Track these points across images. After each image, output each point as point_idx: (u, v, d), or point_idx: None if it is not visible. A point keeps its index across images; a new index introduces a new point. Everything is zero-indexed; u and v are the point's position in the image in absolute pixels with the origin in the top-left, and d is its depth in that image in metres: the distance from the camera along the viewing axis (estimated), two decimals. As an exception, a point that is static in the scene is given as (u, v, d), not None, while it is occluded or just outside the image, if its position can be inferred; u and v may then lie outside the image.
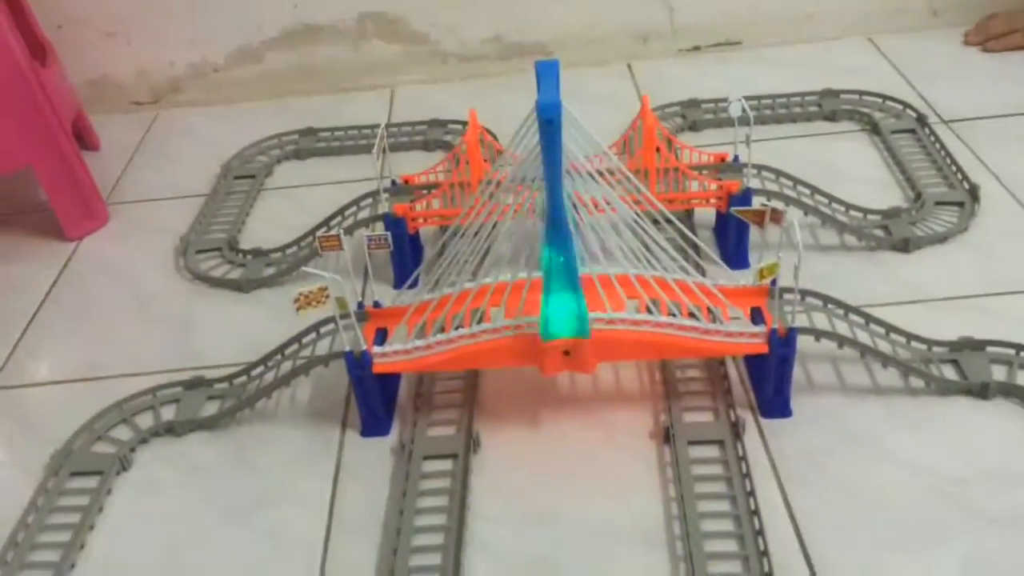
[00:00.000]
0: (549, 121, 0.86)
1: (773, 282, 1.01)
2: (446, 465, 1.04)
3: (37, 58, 1.50)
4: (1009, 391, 1.05)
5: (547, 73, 0.90)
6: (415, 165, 1.56)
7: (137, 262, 1.45)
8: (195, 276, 1.40)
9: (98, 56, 1.85)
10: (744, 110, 1.18)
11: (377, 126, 1.70)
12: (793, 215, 0.97)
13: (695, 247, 1.09)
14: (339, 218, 1.40)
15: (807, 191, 1.35)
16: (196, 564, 0.97)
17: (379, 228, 1.34)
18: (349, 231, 1.35)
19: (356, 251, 1.29)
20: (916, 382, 1.07)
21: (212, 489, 1.05)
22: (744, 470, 0.99)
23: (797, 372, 1.08)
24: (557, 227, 0.95)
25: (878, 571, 0.89)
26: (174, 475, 1.07)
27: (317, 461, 1.07)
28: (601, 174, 0.98)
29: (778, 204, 1.25)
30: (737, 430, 1.03)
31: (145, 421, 1.13)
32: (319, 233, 1.08)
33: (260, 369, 1.15)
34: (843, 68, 1.76)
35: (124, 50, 1.85)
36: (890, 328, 1.09)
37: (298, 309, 0.98)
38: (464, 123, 1.65)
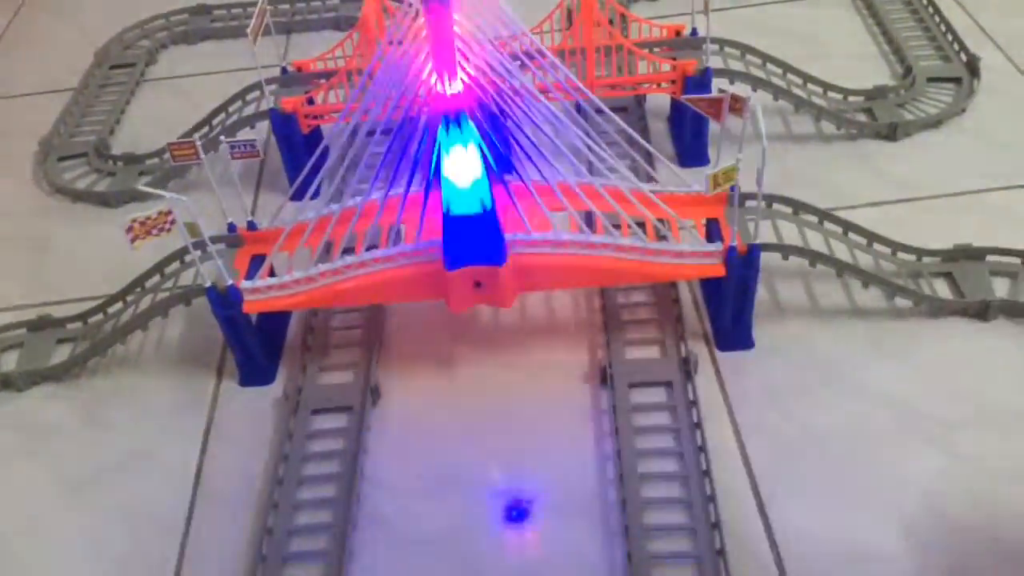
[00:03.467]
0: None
1: (733, 187, 0.81)
2: (339, 421, 0.87)
3: None
4: (1013, 310, 0.87)
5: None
6: (326, 47, 1.32)
7: (-11, 172, 1.23)
8: (55, 188, 1.18)
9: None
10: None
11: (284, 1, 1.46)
12: (758, 102, 0.76)
13: (644, 151, 0.89)
14: (222, 115, 1.17)
15: (778, 70, 1.13)
16: (33, 538, 0.81)
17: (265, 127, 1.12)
18: (231, 131, 1.13)
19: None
20: (903, 302, 0.89)
21: (57, 455, 0.87)
22: (695, 419, 0.82)
23: (761, 294, 0.90)
24: (455, 124, 0.74)
25: (847, 536, 0.73)
26: (12, 438, 0.89)
27: (185, 416, 0.89)
28: (518, 59, 0.77)
29: (742, 88, 1.05)
30: (688, 368, 0.86)
31: (-20, 373, 0.94)
32: (170, 143, 0.87)
33: (118, 306, 0.96)
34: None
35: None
36: (872, 237, 0.91)
37: (132, 241, 0.78)
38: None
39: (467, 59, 0.72)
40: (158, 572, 0.77)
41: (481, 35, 0.74)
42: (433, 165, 0.76)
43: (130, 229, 0.77)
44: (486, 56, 0.74)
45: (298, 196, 0.90)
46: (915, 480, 0.76)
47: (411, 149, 0.77)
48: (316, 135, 1.11)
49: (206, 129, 1.17)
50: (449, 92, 0.71)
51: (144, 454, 0.86)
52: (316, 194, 0.86)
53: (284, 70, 1.14)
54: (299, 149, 1.08)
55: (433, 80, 0.71)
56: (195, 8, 1.48)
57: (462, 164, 0.75)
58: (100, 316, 0.96)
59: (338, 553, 0.75)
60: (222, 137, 0.93)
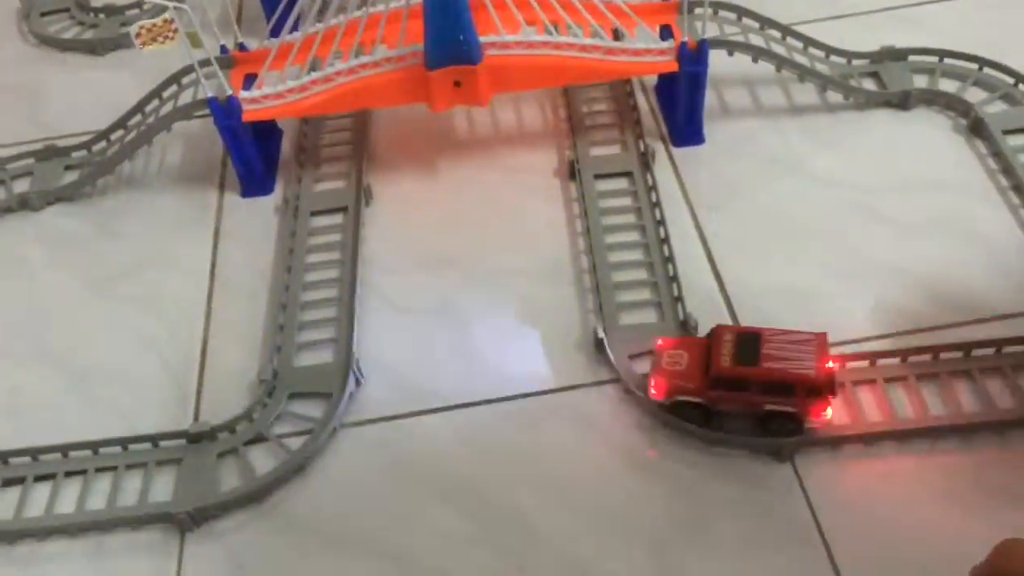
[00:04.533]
0: None
1: (682, -9, 0.90)
2: (336, 219, 0.96)
3: None
4: (931, 99, 0.99)
5: None
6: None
7: (-28, 29, 1.27)
8: (42, 40, 1.23)
9: None
10: None
11: None
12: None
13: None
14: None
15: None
16: (66, 332, 0.90)
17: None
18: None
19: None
20: (835, 97, 1.00)
21: (81, 261, 0.96)
22: (654, 199, 0.92)
23: (710, 96, 1.00)
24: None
25: (789, 285, 0.85)
26: (33, 250, 0.97)
27: (193, 226, 0.98)
28: None
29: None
30: (646, 159, 0.96)
31: (-5, 197, 1.02)
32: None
33: (120, 133, 1.03)
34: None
35: None
36: (808, 41, 1.01)
37: (142, 45, 0.85)
38: None
39: None
40: (187, 347, 0.87)
41: None
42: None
43: (138, 35, 0.85)
44: None
45: (275, 34, 0.96)
46: (847, 236, 0.88)
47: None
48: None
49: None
50: None
51: (160, 257, 0.95)
52: (295, 29, 0.93)
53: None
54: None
55: None
56: None
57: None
58: (103, 143, 1.04)
59: (347, 319, 0.86)
60: None
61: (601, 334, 0.81)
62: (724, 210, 0.93)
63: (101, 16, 1.25)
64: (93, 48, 1.20)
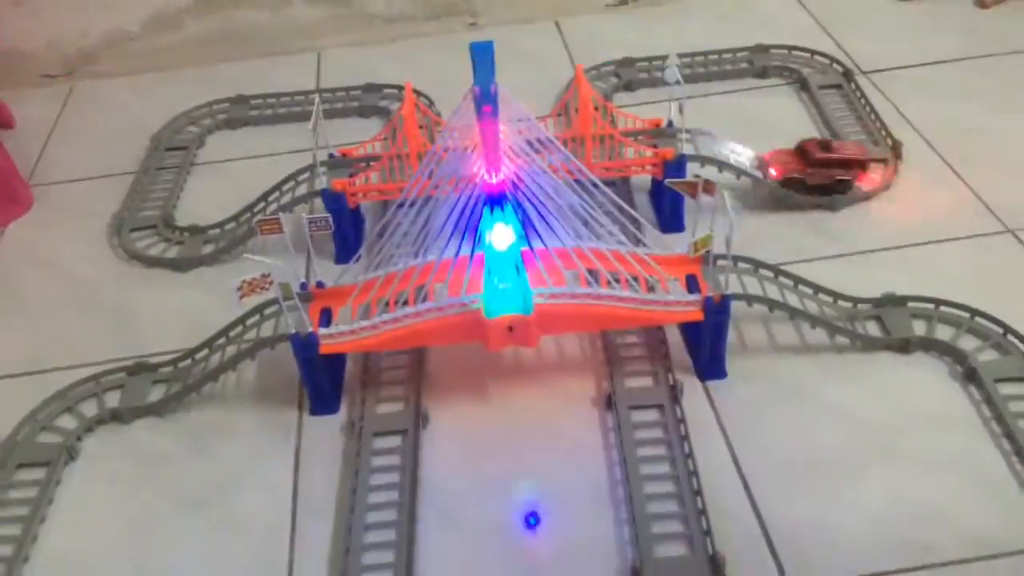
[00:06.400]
0: (487, 105, 0.87)
1: (708, 251, 1.04)
2: (396, 441, 1.07)
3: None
4: (928, 345, 1.11)
5: (483, 57, 0.90)
6: (351, 132, 1.56)
7: (68, 246, 1.42)
8: (131, 256, 1.38)
9: (5, 27, 1.76)
10: (678, 77, 1.20)
11: (312, 92, 1.69)
12: (724, 190, 0.99)
13: (634, 220, 1.12)
14: (276, 194, 1.39)
15: (725, 153, 1.37)
16: (156, 554, 0.98)
17: (317, 204, 1.34)
18: (287, 208, 1.34)
19: (296, 227, 1.27)
20: (843, 340, 1.13)
21: (167, 477, 1.06)
22: (683, 432, 1.03)
23: (730, 334, 1.12)
24: (497, 205, 0.96)
25: (820, 512, 0.95)
26: (125, 464, 1.08)
27: (276, 444, 1.08)
28: (537, 147, 1.00)
29: (711, 170, 1.30)
30: (675, 393, 1.07)
31: (90, 409, 1.13)
32: (258, 217, 1.08)
33: (204, 352, 1.15)
34: (768, 19, 1.81)
35: (32, 20, 1.77)
36: (817, 288, 1.14)
37: (241, 298, 0.98)
38: (398, 87, 1.65)
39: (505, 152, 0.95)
40: (275, 572, 0.95)
41: (511, 132, 0.97)
42: (478, 236, 0.98)
43: (240, 288, 0.98)
44: (516, 146, 0.97)
45: (344, 259, 1.11)
46: (867, 469, 0.99)
47: (460, 224, 0.99)
48: (357, 211, 1.33)
49: (261, 205, 1.39)
50: (494, 181, 0.94)
51: (246, 475, 1.04)
52: (358, 258, 1.08)
53: (331, 155, 1.36)
54: (346, 222, 1.30)
55: (482, 172, 0.94)
56: (235, 98, 1.70)
57: (501, 236, 0.98)
58: (189, 361, 1.16)
59: (406, 542, 0.95)
60: (304, 215, 1.12)
61: (639, 565, 0.90)
62: (752, 441, 1.03)
63: (185, 234, 1.40)
64: (178, 265, 1.35)
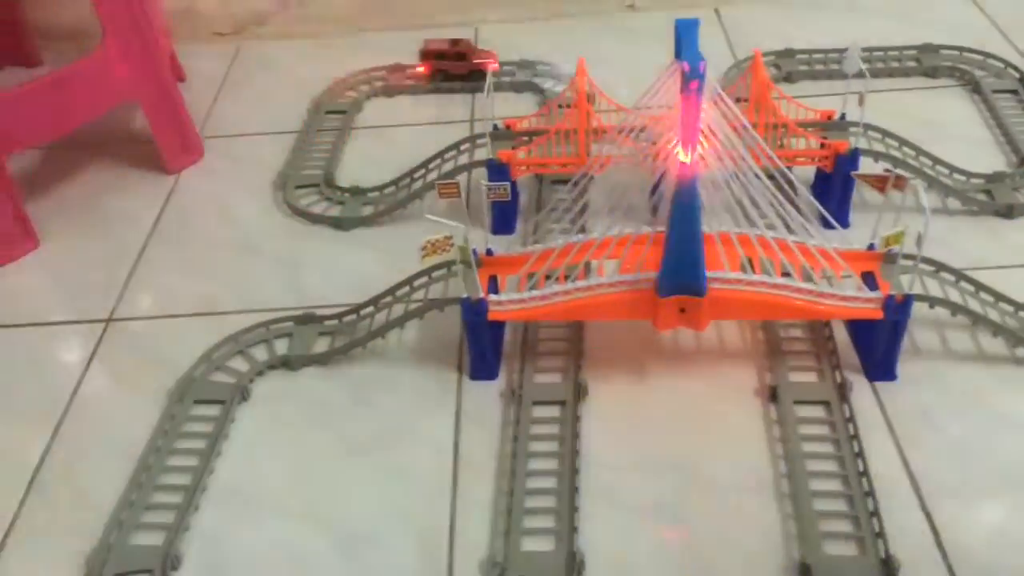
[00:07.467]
0: (694, 80, 0.86)
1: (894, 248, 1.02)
2: (555, 411, 1.08)
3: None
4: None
5: (688, 33, 0.89)
6: (506, 107, 1.57)
7: (236, 197, 1.47)
8: (294, 212, 1.42)
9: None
10: (860, 67, 1.17)
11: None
12: (918, 184, 0.96)
13: (810, 208, 1.10)
14: (438, 160, 1.41)
15: (912, 152, 1.34)
16: (325, 493, 1.02)
17: (482, 173, 1.35)
18: (450, 175, 1.36)
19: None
20: (1022, 352, 1.08)
21: (333, 424, 1.09)
22: (852, 431, 1.01)
23: (903, 336, 1.09)
24: (691, 186, 0.95)
25: (1000, 526, 0.92)
26: (293, 407, 1.12)
27: (436, 403, 1.10)
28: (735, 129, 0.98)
29: (887, 166, 1.26)
30: (844, 391, 1.05)
31: (260, 354, 1.17)
32: (438, 181, 1.11)
33: (370, 309, 1.18)
34: (938, 21, 1.73)
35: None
36: (999, 296, 1.10)
37: (424, 256, 1.00)
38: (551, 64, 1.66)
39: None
40: (437, 523, 0.97)
41: (710, 111, 0.95)
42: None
43: (424, 248, 1.00)
44: (710, 130, 0.96)
45: (502, 230, 1.11)
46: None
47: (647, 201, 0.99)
48: (514, 184, 1.34)
49: (422, 171, 1.41)
50: (688, 160, 0.93)
51: (407, 430, 1.07)
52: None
53: (495, 127, 1.37)
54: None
55: (677, 149, 0.93)
56: (392, 66, 1.73)
57: (687, 215, 0.97)
58: (354, 316, 1.19)
59: (568, 509, 0.96)
60: (481, 181, 1.14)
61: (808, 562, 0.88)
62: (924, 446, 1.00)
63: (346, 195, 1.44)
64: (339, 224, 1.39)
